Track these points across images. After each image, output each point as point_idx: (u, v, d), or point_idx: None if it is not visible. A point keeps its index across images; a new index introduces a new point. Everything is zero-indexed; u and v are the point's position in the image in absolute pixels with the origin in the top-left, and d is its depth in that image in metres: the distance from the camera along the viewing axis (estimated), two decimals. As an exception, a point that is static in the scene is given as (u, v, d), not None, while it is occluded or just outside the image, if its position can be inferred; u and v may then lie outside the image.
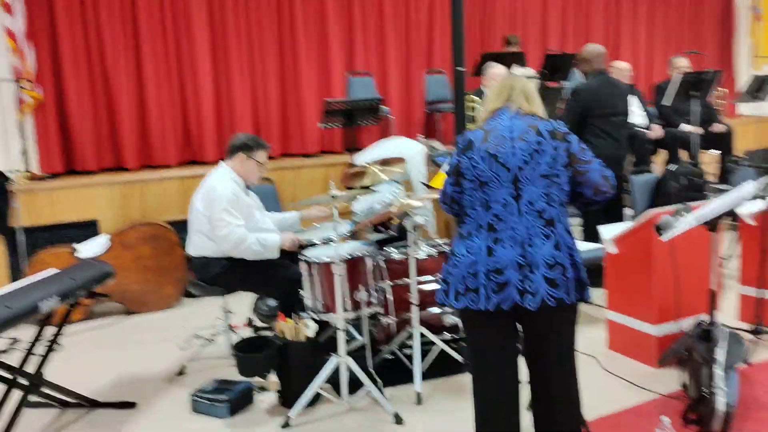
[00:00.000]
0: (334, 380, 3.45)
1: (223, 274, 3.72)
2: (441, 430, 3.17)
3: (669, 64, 7.09)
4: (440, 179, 3.09)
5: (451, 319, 3.75)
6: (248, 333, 4.49)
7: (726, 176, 6.43)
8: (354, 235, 4.15)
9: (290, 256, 3.85)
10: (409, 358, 3.71)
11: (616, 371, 3.72)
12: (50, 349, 3.38)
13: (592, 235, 4.74)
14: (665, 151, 6.93)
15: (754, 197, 3.15)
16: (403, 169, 4.24)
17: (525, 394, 2.51)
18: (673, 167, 5.05)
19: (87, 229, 5.36)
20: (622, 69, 6.57)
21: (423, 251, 3.90)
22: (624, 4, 9.04)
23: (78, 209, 5.48)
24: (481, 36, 8.18)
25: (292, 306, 3.78)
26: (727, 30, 10.03)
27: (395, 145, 5.17)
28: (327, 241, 3.76)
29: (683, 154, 6.71)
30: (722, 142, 7.00)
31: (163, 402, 3.63)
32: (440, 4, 7.55)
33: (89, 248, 4.93)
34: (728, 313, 4.35)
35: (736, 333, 3.35)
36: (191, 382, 3.78)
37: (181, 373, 3.94)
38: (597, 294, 4.27)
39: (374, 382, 3.49)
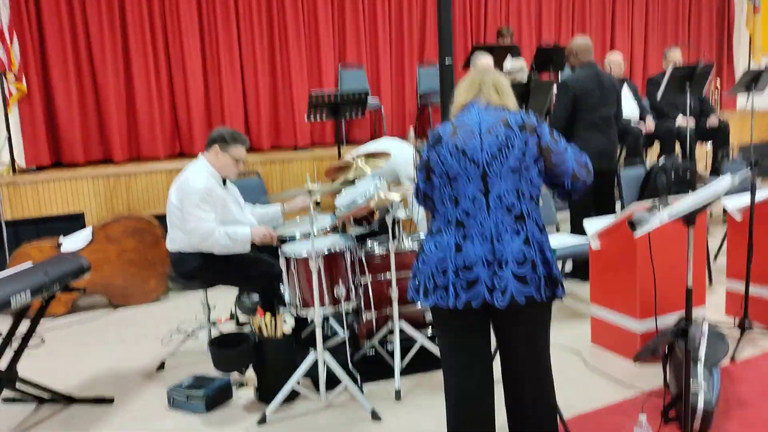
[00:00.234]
0: (314, 376, 3.42)
1: (199, 269, 3.68)
2: (418, 427, 3.14)
3: (663, 56, 7.02)
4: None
5: (433, 315, 3.70)
6: (231, 327, 4.47)
7: (718, 170, 6.37)
8: (336, 229, 4.10)
9: (270, 251, 3.81)
10: (391, 353, 3.68)
11: (600, 367, 3.68)
12: (24, 345, 3.34)
13: (581, 229, 4.70)
14: (660, 145, 6.87)
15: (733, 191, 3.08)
16: (387, 163, 4.18)
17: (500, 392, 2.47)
18: (662, 161, 4.99)
19: (73, 222, 5.34)
20: (615, 61, 6.50)
21: (406, 245, 3.85)
22: (620, -4, 8.99)
23: (64, 202, 5.46)
24: (476, 28, 8.12)
25: (273, 301, 3.75)
26: (725, 22, 9.95)
27: (384, 142, 5.11)
28: (307, 236, 3.71)
29: (677, 148, 6.66)
30: (717, 135, 6.94)
31: (140, 397, 3.60)
32: (433, -5, 7.51)
33: (73, 241, 4.90)
34: (716, 309, 4.31)
35: (718, 330, 3.31)
36: (170, 377, 3.76)
37: (161, 368, 3.91)
38: (585, 288, 4.24)
39: (353, 377, 3.45)
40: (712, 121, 6.83)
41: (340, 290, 3.41)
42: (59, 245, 4.87)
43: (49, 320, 4.85)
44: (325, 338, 3.97)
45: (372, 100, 7.04)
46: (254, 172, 5.83)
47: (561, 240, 4.52)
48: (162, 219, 5.18)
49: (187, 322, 4.49)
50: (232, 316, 4.57)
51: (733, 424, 3.03)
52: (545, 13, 8.46)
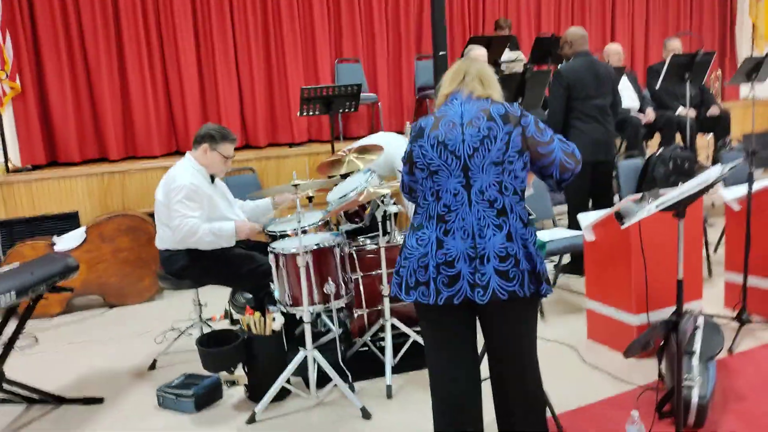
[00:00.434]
0: (306, 374, 3.38)
1: (188, 268, 3.64)
2: (408, 424, 3.09)
3: (663, 46, 6.93)
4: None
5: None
6: (226, 325, 4.44)
7: (719, 160, 6.29)
8: (328, 225, 4.06)
9: (260, 249, 3.77)
10: (383, 350, 3.63)
11: (596, 362, 3.62)
12: (10, 346, 3.32)
13: (578, 224, 4.64)
14: (660, 136, 6.79)
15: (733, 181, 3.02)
16: (383, 155, 4.12)
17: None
18: (660, 151, 4.92)
19: (67, 221, 5.30)
20: (613, 50, 6.43)
21: (399, 240, 3.80)
22: (620, -15, 8.88)
23: (58, 201, 5.43)
24: (474, 20, 8.04)
25: (264, 299, 3.71)
26: (727, 11, 9.83)
27: (378, 136, 5.05)
28: (296, 232, 3.67)
29: (678, 138, 6.58)
30: (718, 125, 6.85)
31: (130, 397, 3.57)
32: (430, -13, 7.41)
33: (67, 241, 4.88)
34: (715, 301, 4.24)
35: (714, 322, 3.25)
36: (162, 376, 3.72)
37: (152, 367, 3.88)
38: (582, 282, 4.19)
39: (344, 375, 3.41)
40: (713, 110, 6.74)
41: (330, 287, 3.37)
42: (53, 245, 4.84)
43: (45, 320, 4.83)
44: (319, 335, 3.94)
45: (369, 95, 6.99)
46: (249, 168, 5.79)
47: (556, 234, 4.47)
48: (156, 217, 5.17)
49: (182, 321, 4.46)
50: (227, 314, 4.54)
51: (730, 418, 2.98)
52: (544, 3, 8.37)
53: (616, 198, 5.27)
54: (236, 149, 6.46)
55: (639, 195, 2.43)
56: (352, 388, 3.35)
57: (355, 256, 3.72)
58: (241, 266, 3.67)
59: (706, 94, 6.85)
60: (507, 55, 6.12)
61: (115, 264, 4.98)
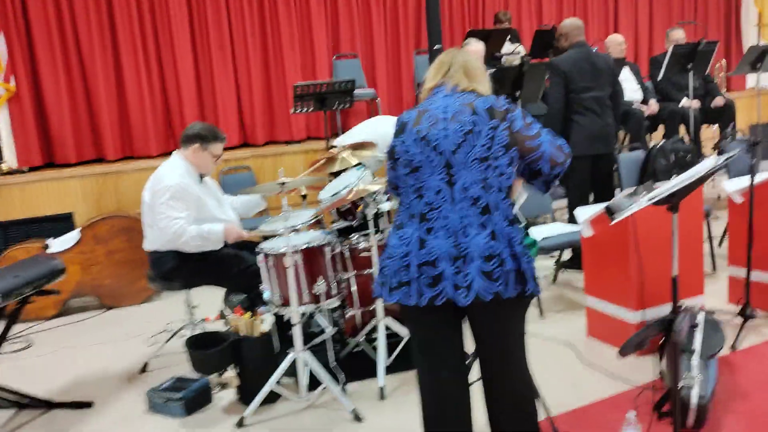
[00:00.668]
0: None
1: (177, 269, 3.58)
2: (401, 427, 3.02)
3: (666, 37, 6.82)
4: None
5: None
6: (220, 326, 4.38)
7: (723, 151, 6.18)
8: (321, 223, 3.99)
9: (250, 249, 3.70)
10: (376, 350, 3.56)
11: (595, 360, 3.54)
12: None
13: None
14: (664, 128, 6.68)
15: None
16: (374, 152, 4.05)
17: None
18: (661, 143, 4.81)
19: (62, 223, 5.26)
20: (614, 41, 6.32)
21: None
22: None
23: (53, 202, 5.39)
24: (474, 13, 7.95)
25: (256, 299, 3.64)
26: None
27: (373, 127, 4.95)
28: (286, 231, 3.60)
29: (682, 130, 6.47)
30: (723, 116, 6.73)
31: (121, 401, 3.52)
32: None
33: (60, 243, 4.84)
34: (719, 297, 4.15)
35: (714, 320, 3.16)
36: (154, 379, 3.67)
37: (144, 370, 3.83)
38: (582, 278, 4.10)
39: (336, 377, 3.34)
40: (717, 101, 6.62)
41: (320, 287, 3.29)
42: (47, 247, 4.80)
43: (39, 323, 4.79)
44: (313, 335, 3.87)
45: (368, 90, 6.91)
46: (245, 167, 5.72)
47: (554, 229, 4.37)
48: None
49: (177, 323, 4.40)
50: (222, 316, 4.47)
51: (731, 416, 2.89)
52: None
53: (617, 191, 5.18)
54: (234, 148, 6.49)
55: (633, 189, 2.35)
56: (344, 390, 3.28)
57: (347, 254, 3.64)
58: (231, 267, 3.61)
59: (710, 85, 6.73)
60: (507, 47, 6.02)
61: (109, 265, 4.93)
